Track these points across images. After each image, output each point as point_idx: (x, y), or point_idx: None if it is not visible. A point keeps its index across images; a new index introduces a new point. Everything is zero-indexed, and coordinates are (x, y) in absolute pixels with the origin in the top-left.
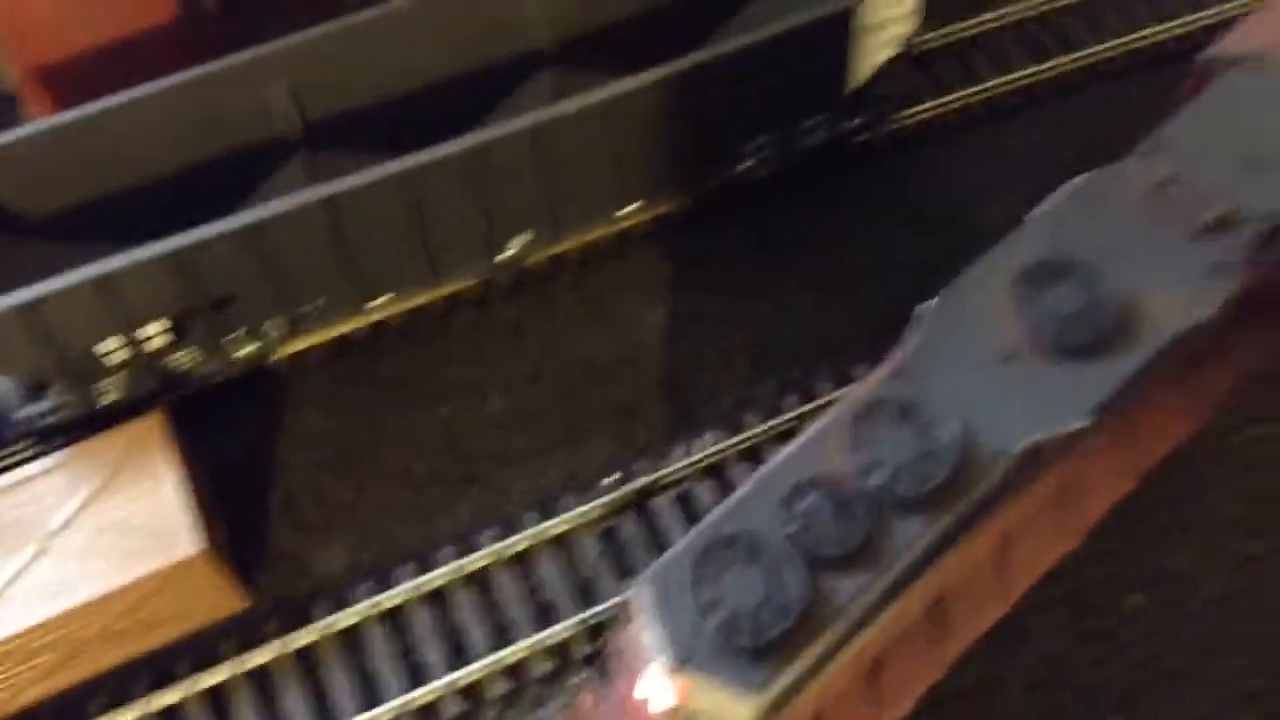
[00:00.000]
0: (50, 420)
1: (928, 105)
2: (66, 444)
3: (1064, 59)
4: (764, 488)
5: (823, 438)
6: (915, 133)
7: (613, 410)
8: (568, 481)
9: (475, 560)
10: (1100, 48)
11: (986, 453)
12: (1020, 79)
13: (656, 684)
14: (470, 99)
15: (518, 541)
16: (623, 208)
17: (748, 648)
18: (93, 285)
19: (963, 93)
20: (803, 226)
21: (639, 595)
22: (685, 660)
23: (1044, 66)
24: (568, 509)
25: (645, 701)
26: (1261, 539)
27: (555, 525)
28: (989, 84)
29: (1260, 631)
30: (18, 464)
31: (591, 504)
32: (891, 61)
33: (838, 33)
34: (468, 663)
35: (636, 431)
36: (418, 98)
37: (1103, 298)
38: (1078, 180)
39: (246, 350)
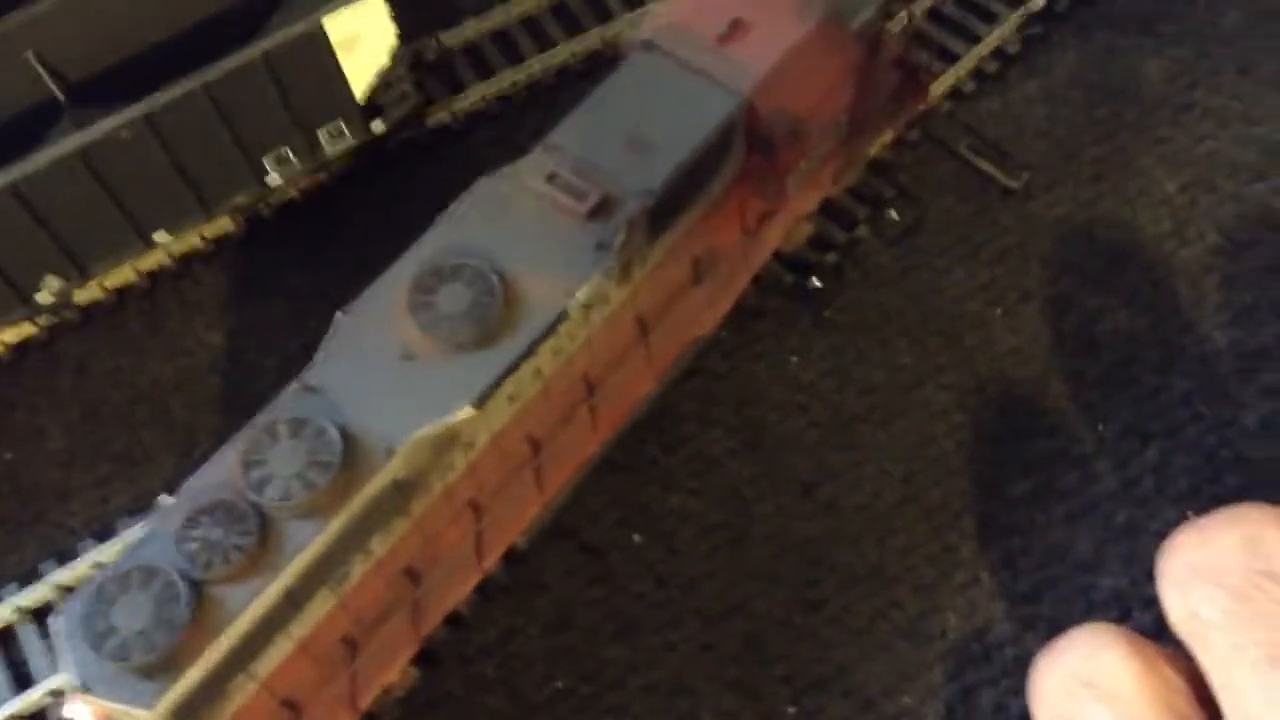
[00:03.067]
0: None
1: (446, 103)
2: None
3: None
4: (165, 519)
5: (221, 461)
6: (438, 133)
7: (172, 431)
8: (131, 506)
9: (39, 592)
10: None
11: (375, 451)
12: (531, 70)
13: (76, 708)
14: None
15: (79, 567)
16: (156, 234)
17: (139, 666)
18: None
19: (480, 87)
20: (359, 226)
21: (55, 627)
22: (89, 686)
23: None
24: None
25: None
26: (751, 467)
27: (114, 546)
28: (503, 78)
29: (740, 556)
30: None
31: None
32: (406, 68)
33: (313, 51)
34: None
35: (196, 449)
36: None
37: (489, 292)
38: (480, 180)
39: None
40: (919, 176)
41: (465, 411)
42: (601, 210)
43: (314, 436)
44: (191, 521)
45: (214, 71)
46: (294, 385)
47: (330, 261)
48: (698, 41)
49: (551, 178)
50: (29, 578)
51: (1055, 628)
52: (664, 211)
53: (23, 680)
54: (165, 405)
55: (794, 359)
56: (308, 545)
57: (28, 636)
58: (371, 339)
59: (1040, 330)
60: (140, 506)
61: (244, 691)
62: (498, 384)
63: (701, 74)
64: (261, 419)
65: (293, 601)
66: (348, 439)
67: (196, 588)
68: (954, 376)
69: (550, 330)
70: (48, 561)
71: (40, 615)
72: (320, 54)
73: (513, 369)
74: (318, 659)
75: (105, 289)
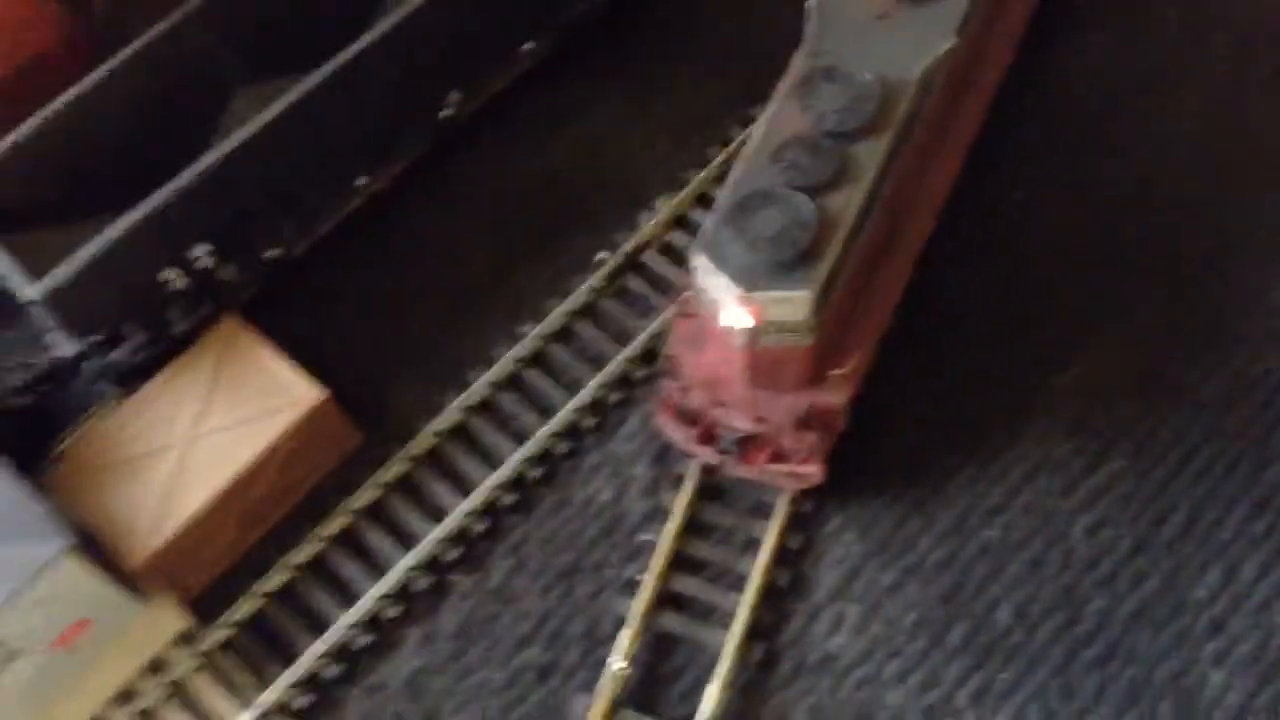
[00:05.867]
0: (136, 359)
1: None
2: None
3: None
4: (755, 158)
5: (779, 112)
6: None
7: (580, 212)
8: (571, 269)
9: (527, 344)
10: None
11: (897, 84)
12: None
13: (734, 314)
14: None
15: (556, 319)
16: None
17: (790, 258)
18: (147, 219)
19: None
20: (656, 28)
21: (697, 260)
22: (752, 286)
23: None
24: (579, 287)
25: (729, 330)
26: None
27: (580, 297)
28: None
29: None
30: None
31: (599, 275)
32: None
33: None
34: (555, 413)
35: (606, 217)
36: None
37: None
38: None
39: (273, 254)
40: None
41: (953, 41)
42: None
43: (846, 79)
44: (779, 153)
45: None
46: (801, 50)
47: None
48: None
49: None
50: (510, 336)
51: None
52: None
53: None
54: (568, 188)
55: None
56: (872, 158)
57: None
58: (845, 8)
59: None
60: (583, 266)
61: (845, 285)
62: (965, 22)
63: None
64: (793, 74)
65: (869, 206)
66: (874, 77)
67: (808, 197)
68: None
69: None
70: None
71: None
72: None
73: (969, 14)
74: (870, 262)
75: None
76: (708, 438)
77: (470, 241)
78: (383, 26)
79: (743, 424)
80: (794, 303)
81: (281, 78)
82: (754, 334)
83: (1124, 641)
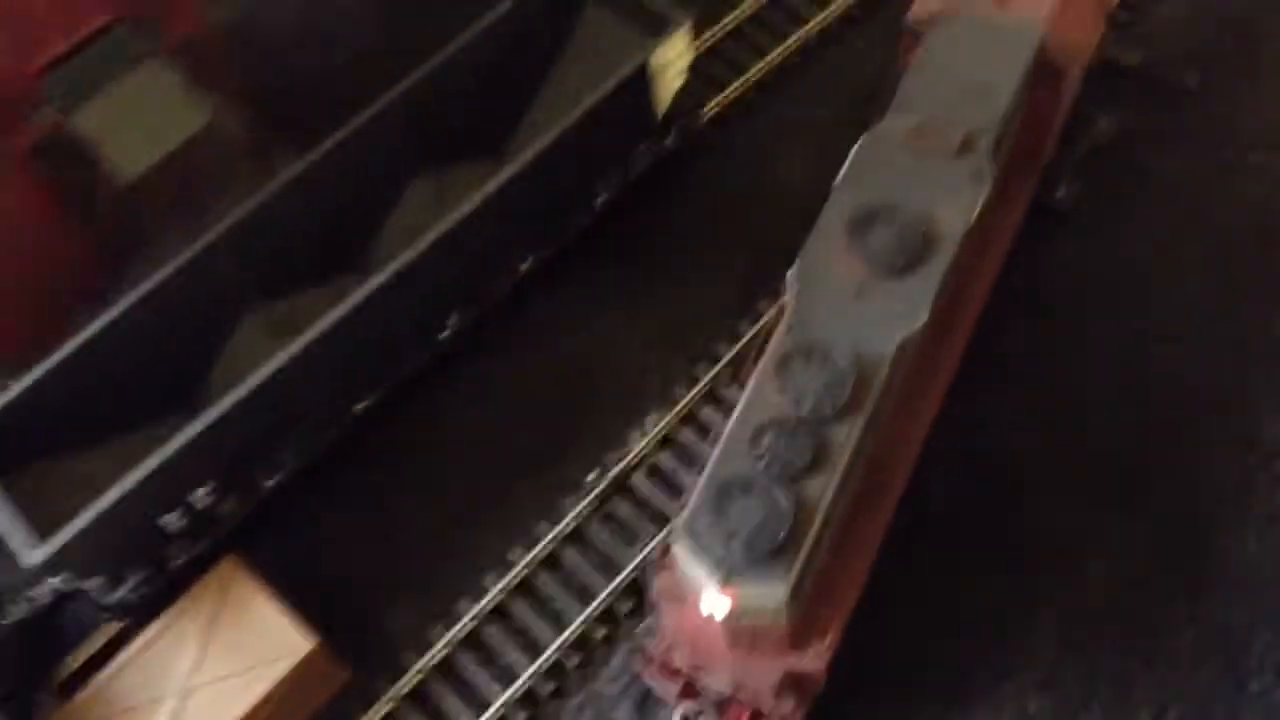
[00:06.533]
0: (137, 595)
1: (713, 104)
2: (152, 615)
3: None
4: (733, 439)
5: (760, 389)
6: (709, 131)
7: (573, 427)
8: (561, 489)
9: (517, 574)
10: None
11: (872, 361)
12: (773, 59)
13: (713, 600)
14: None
15: (545, 547)
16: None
17: (767, 552)
18: (154, 473)
19: (737, 84)
20: (649, 233)
21: (677, 545)
22: (728, 577)
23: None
24: (569, 511)
25: (710, 616)
26: None
27: (568, 524)
28: (750, 71)
29: None
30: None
31: (586, 500)
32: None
33: (642, 81)
34: (542, 651)
35: (599, 433)
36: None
37: (909, 225)
38: (859, 143)
39: (270, 484)
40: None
41: (923, 320)
42: (965, 147)
43: (824, 359)
44: (756, 437)
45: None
46: (783, 325)
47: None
48: (980, 7)
49: (918, 130)
50: (501, 563)
51: None
52: (1001, 138)
53: None
54: (560, 403)
55: None
56: (849, 439)
57: None
58: (826, 279)
59: None
60: (572, 487)
61: (820, 563)
62: (938, 297)
63: (999, 27)
64: (773, 353)
65: (845, 487)
66: (853, 358)
67: (786, 487)
68: None
69: (959, 249)
70: (514, 549)
71: None
72: (644, 85)
73: (944, 284)
74: (846, 528)
75: None
76: (690, 692)
77: (463, 458)
78: (394, 266)
79: (722, 686)
80: (769, 594)
81: (286, 300)
82: (732, 615)
83: None
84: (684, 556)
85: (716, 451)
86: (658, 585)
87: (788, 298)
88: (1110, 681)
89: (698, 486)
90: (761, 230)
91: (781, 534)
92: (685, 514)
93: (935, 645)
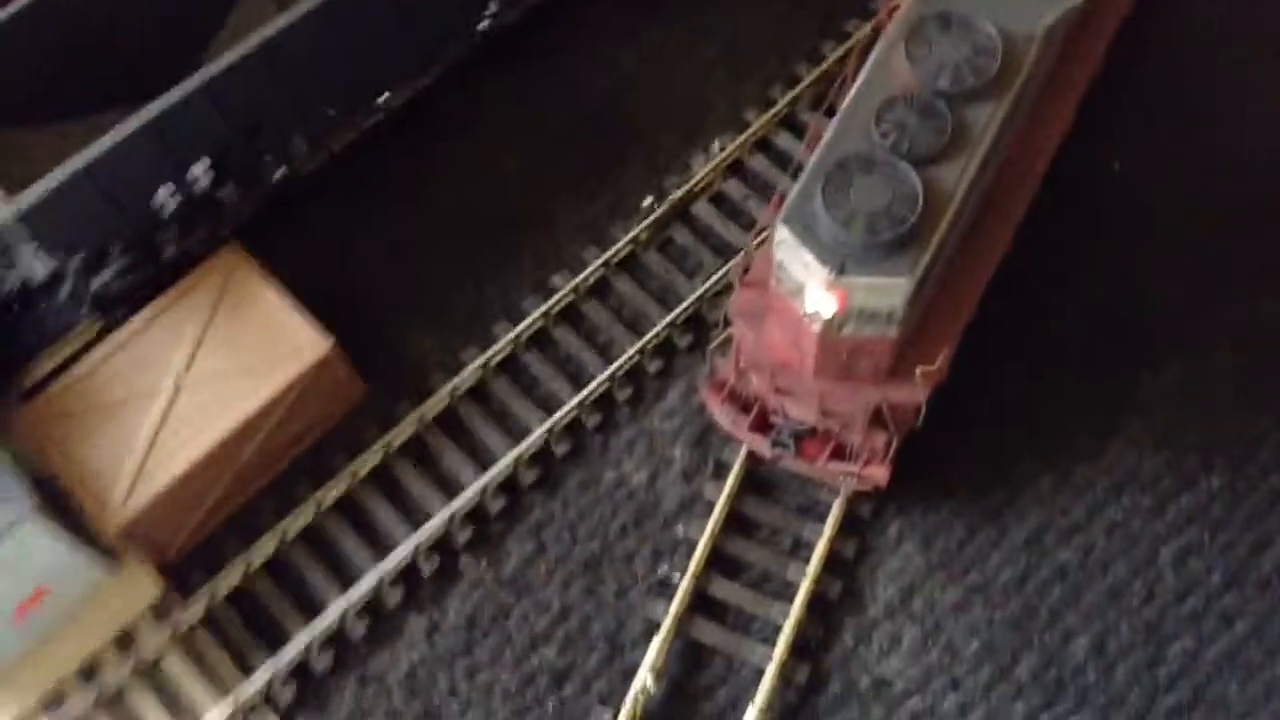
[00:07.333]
0: (122, 284)
1: None
2: (134, 310)
3: None
4: (850, 117)
5: (883, 63)
6: None
7: (624, 144)
8: (611, 212)
9: (559, 300)
10: None
11: (1019, 39)
12: None
13: (818, 298)
14: None
15: (591, 273)
16: None
17: (891, 240)
18: (142, 131)
19: None
20: None
21: (779, 237)
22: (842, 268)
23: None
24: (620, 236)
25: (810, 318)
26: None
27: (618, 252)
28: None
29: None
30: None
31: (639, 227)
32: None
33: None
34: (588, 382)
35: (653, 154)
36: None
37: None
38: None
39: (278, 174)
40: None
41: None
42: None
43: (965, 31)
44: (882, 113)
45: None
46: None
47: None
48: None
49: None
50: (540, 286)
51: None
52: None
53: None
54: (608, 122)
55: None
56: (991, 121)
57: None
58: None
59: None
60: (622, 212)
61: (938, 272)
62: None
63: None
64: (903, 21)
65: (977, 182)
66: (998, 31)
67: (915, 168)
68: None
69: None
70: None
71: None
72: None
73: None
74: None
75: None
76: (761, 425)
77: (502, 169)
78: None
79: (806, 415)
80: (889, 291)
81: None
82: (836, 321)
83: (1210, 688)
84: (788, 245)
85: (831, 128)
86: (735, 304)
87: None
88: (1235, 444)
89: (806, 168)
90: None
91: (910, 219)
92: (791, 197)
93: (1033, 404)
